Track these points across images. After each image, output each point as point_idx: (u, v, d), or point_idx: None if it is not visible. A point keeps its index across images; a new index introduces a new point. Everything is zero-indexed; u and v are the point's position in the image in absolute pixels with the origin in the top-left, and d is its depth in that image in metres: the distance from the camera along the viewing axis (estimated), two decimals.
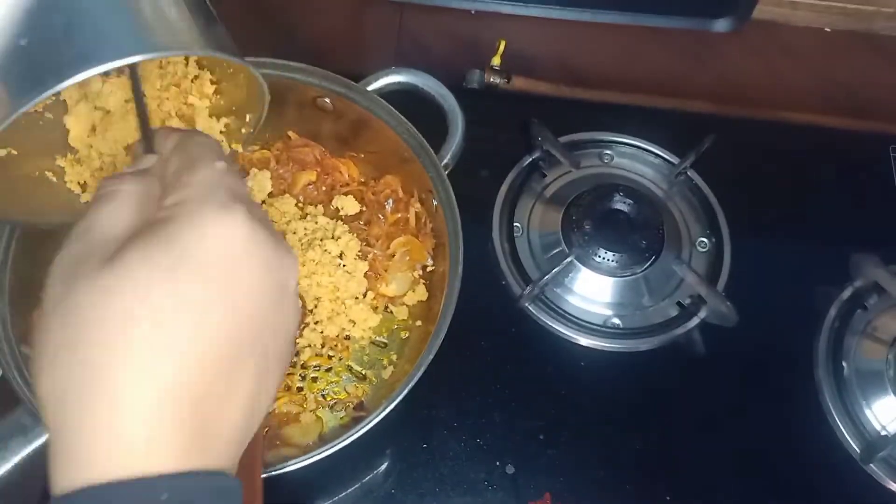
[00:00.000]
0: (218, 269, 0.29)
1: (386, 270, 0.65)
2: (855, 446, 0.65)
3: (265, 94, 0.42)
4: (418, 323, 0.63)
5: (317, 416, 0.59)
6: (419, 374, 0.52)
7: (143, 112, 0.38)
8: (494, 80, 0.81)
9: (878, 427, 0.66)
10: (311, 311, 0.61)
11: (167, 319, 0.27)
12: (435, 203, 0.61)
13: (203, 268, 0.29)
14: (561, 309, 0.70)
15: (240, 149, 0.48)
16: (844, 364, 0.69)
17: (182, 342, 0.27)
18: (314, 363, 0.61)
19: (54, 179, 0.45)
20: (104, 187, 0.32)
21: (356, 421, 0.53)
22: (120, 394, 0.26)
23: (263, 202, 0.66)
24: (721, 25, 0.89)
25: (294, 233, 0.63)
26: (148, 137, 0.37)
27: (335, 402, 0.60)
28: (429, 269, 0.66)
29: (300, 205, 0.67)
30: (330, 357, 0.61)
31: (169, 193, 0.32)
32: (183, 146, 0.35)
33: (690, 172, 0.77)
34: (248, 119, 0.47)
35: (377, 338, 0.63)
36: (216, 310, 0.28)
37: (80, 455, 0.26)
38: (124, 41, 0.33)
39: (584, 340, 0.68)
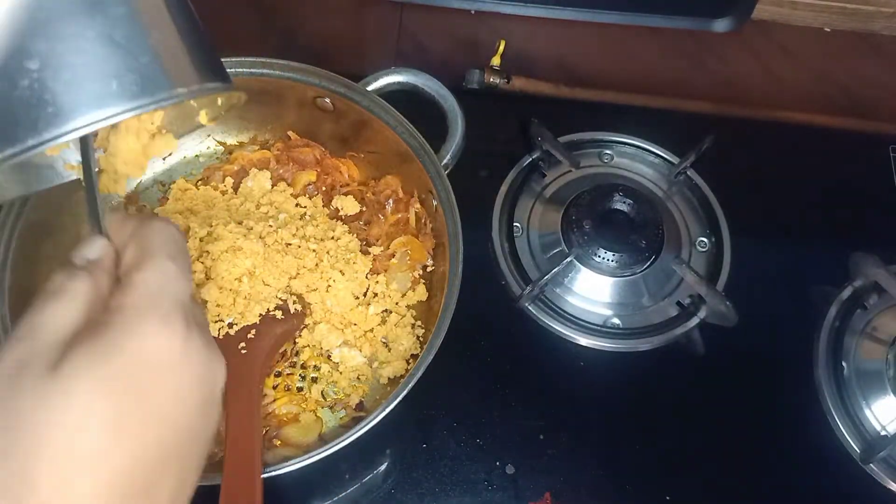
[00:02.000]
0: (154, 382, 0.31)
1: (386, 270, 0.65)
2: (855, 446, 0.65)
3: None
4: (418, 323, 0.63)
5: (317, 416, 0.59)
6: (419, 374, 0.52)
7: (93, 186, 0.37)
8: (494, 80, 0.81)
9: (878, 427, 0.66)
10: (309, 312, 0.61)
11: (102, 434, 0.29)
12: (435, 203, 0.61)
13: (141, 381, 0.30)
14: (561, 309, 0.70)
15: (209, 125, 0.53)
16: (844, 364, 0.69)
17: (116, 457, 0.29)
18: (314, 363, 0.61)
19: None
20: (53, 283, 0.33)
21: (356, 421, 0.53)
22: None
23: (262, 201, 0.66)
24: (720, 25, 0.89)
25: (294, 233, 0.63)
26: (96, 216, 0.36)
27: (335, 402, 0.60)
28: (429, 269, 0.66)
29: (300, 205, 0.67)
30: (329, 357, 0.61)
31: (116, 292, 0.33)
32: (139, 236, 0.35)
33: (690, 172, 0.77)
34: (219, 102, 0.51)
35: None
36: (151, 422, 0.30)
37: None
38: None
39: (584, 340, 0.68)
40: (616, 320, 0.70)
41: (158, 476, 0.31)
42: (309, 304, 0.61)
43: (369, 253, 0.65)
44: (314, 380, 0.61)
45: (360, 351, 0.61)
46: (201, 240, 0.60)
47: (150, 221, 0.36)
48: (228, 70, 0.63)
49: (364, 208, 0.68)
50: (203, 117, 0.53)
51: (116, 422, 0.29)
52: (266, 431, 0.58)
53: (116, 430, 0.29)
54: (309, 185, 0.68)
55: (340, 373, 0.61)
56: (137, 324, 0.31)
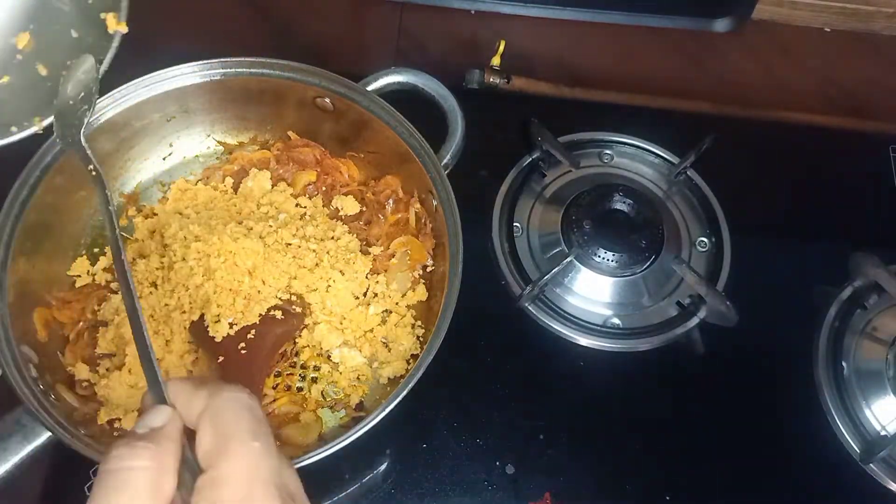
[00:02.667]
0: None
1: (386, 270, 0.65)
2: (855, 446, 0.65)
3: None
4: (418, 323, 0.63)
5: (317, 416, 0.59)
6: (419, 374, 0.52)
7: (147, 351, 0.35)
8: (494, 80, 0.81)
9: (877, 427, 0.66)
10: (309, 312, 0.61)
11: None
12: (435, 203, 0.61)
13: None
14: (560, 309, 0.70)
15: (124, 29, 0.50)
16: (844, 364, 0.69)
17: None
18: (314, 363, 0.61)
19: None
20: (110, 462, 0.29)
21: (356, 421, 0.53)
22: None
23: (262, 201, 0.66)
24: (721, 25, 0.89)
25: (294, 233, 0.63)
26: (155, 381, 0.34)
27: (335, 402, 0.60)
28: (429, 269, 0.66)
29: (300, 205, 0.67)
30: (329, 357, 0.61)
31: (205, 489, 0.30)
32: (212, 413, 0.32)
33: (690, 172, 0.77)
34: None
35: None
36: None
37: None
38: None
39: (584, 340, 0.68)
40: (616, 320, 0.70)
41: None
42: (309, 304, 0.61)
43: (369, 253, 0.65)
44: (314, 380, 0.61)
45: (360, 351, 0.61)
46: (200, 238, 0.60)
47: (220, 393, 0.32)
48: (229, 70, 0.64)
49: (364, 208, 0.68)
50: (111, 22, 0.49)
51: None
52: None
53: None
54: (309, 185, 0.68)
55: (340, 373, 0.61)
56: None
